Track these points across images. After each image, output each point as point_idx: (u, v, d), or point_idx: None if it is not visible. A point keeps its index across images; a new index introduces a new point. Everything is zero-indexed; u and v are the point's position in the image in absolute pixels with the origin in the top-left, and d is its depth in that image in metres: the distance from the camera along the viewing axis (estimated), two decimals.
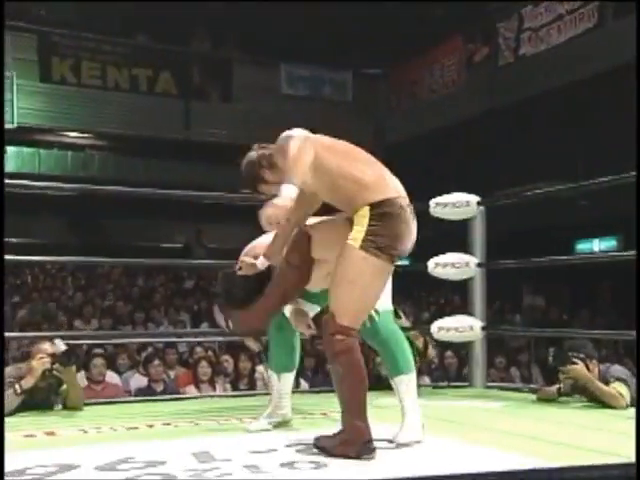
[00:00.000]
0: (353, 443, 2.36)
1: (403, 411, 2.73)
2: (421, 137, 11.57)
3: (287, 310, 2.90)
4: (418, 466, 2.35)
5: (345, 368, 2.39)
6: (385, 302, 2.86)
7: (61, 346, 3.52)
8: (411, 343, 4.56)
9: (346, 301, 2.39)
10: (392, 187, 2.46)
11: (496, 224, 4.61)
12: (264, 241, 2.88)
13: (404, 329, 2.94)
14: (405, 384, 2.75)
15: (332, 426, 3.11)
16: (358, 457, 2.34)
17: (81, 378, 4.69)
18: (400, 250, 2.42)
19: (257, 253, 2.81)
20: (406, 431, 2.67)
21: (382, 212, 2.38)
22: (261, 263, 2.74)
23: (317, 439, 2.46)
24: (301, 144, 2.44)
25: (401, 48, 12.11)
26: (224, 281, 2.88)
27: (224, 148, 12.21)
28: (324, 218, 2.71)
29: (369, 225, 2.38)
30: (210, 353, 6.11)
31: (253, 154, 2.74)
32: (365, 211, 2.39)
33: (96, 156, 12.37)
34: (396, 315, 4.55)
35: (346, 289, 2.38)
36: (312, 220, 2.76)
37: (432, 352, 5.15)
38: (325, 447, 2.42)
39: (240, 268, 2.78)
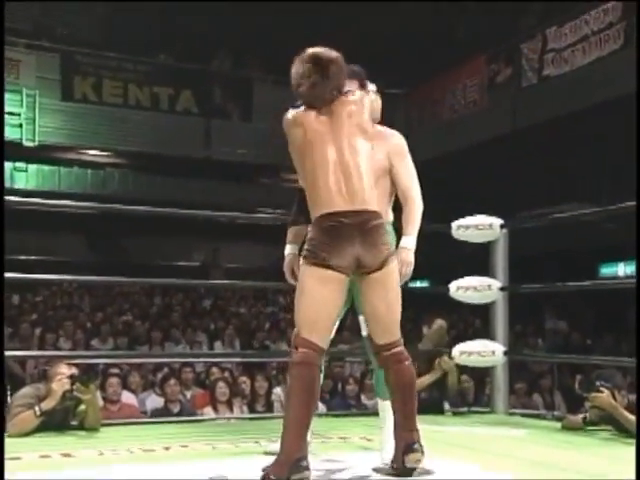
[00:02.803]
0: (285, 462, 2.31)
1: (385, 435, 2.71)
2: (442, 158, 11.54)
3: None
4: None
5: (295, 381, 2.39)
6: None
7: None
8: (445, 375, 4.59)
9: (299, 312, 2.45)
10: (331, 203, 2.44)
11: (518, 246, 4.58)
12: None
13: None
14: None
15: (350, 450, 3.09)
16: (290, 476, 2.28)
17: (97, 398, 4.69)
18: (329, 260, 2.41)
19: None
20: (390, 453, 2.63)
21: (316, 227, 2.46)
22: None
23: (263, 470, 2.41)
24: None
25: (422, 68, 12.14)
26: None
27: (244, 167, 12.29)
28: None
29: (308, 239, 2.49)
30: (227, 374, 6.10)
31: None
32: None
33: (116, 174, 12.47)
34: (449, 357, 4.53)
35: (298, 300, 2.46)
36: None
37: (465, 378, 5.15)
38: (264, 472, 2.37)
39: None
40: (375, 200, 2.50)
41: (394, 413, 2.52)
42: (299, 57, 2.57)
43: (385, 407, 2.75)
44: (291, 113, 2.55)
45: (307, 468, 2.31)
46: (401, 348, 2.52)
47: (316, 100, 2.53)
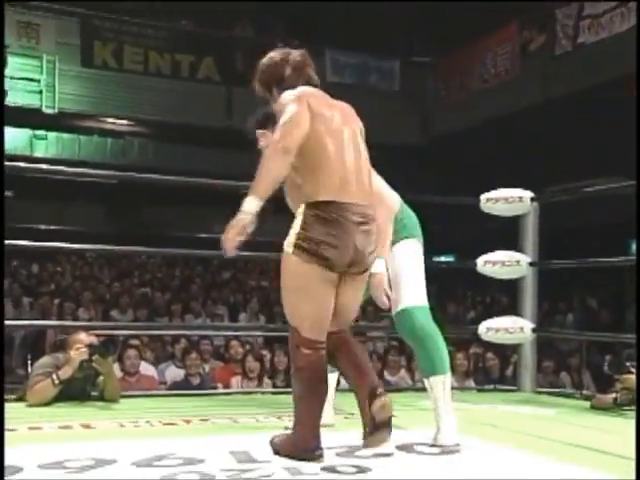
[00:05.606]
0: (299, 447, 2.37)
1: (438, 412, 2.70)
2: (471, 129, 11.41)
3: None
4: (467, 473, 2.31)
5: (305, 384, 2.36)
6: (421, 298, 2.81)
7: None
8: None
9: (297, 311, 2.35)
10: (338, 190, 2.29)
11: (548, 221, 4.52)
12: None
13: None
14: (441, 385, 2.72)
15: None
16: (304, 459, 2.33)
17: (116, 369, 4.74)
18: (332, 261, 2.28)
19: None
20: (445, 434, 2.66)
21: (315, 214, 2.28)
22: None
23: (272, 438, 2.49)
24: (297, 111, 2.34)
25: (451, 35, 11.96)
26: None
27: None
28: None
29: (301, 227, 2.30)
30: (248, 347, 6.13)
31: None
32: (301, 210, 2.32)
33: (136, 143, 12.50)
34: None
35: (291, 299, 2.36)
36: None
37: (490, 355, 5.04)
38: (276, 445, 2.44)
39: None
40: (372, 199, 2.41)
41: (354, 387, 2.43)
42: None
43: (433, 386, 2.72)
44: (299, 88, 2.46)
45: (321, 456, 2.36)
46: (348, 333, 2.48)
47: (298, 80, 2.50)
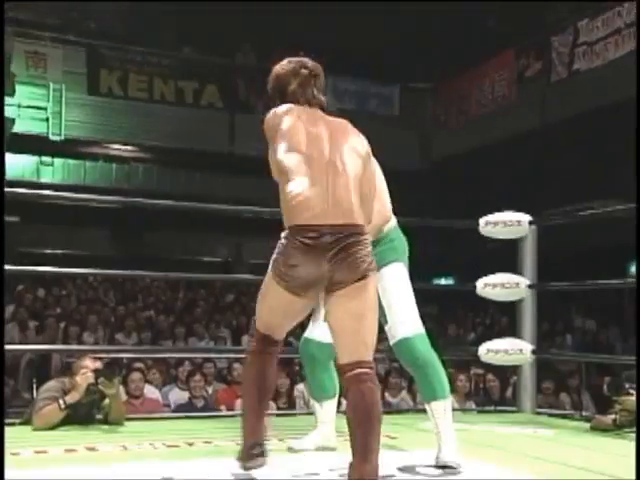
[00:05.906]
0: (242, 448, 2.41)
1: (440, 437, 2.70)
2: (470, 153, 11.47)
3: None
4: None
5: (247, 369, 2.45)
6: (417, 326, 2.81)
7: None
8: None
9: (260, 313, 2.42)
10: (309, 214, 2.21)
11: (545, 243, 4.53)
12: None
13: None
14: (442, 410, 2.73)
15: None
16: (245, 467, 2.38)
17: (121, 392, 4.72)
18: (289, 282, 2.25)
19: None
20: (446, 455, 2.66)
21: (290, 237, 2.24)
22: None
23: None
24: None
25: (450, 62, 12.06)
26: None
27: (268, 162, 12.27)
28: None
29: (279, 245, 2.31)
30: None
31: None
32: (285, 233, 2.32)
33: (140, 168, 12.56)
34: None
35: (260, 301, 2.42)
36: None
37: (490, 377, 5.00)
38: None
39: None
40: (360, 212, 2.26)
41: (350, 439, 2.19)
42: (287, 60, 2.55)
43: (434, 410, 2.72)
44: (286, 105, 2.41)
45: (261, 454, 2.38)
46: (367, 370, 2.19)
47: (302, 96, 2.46)
